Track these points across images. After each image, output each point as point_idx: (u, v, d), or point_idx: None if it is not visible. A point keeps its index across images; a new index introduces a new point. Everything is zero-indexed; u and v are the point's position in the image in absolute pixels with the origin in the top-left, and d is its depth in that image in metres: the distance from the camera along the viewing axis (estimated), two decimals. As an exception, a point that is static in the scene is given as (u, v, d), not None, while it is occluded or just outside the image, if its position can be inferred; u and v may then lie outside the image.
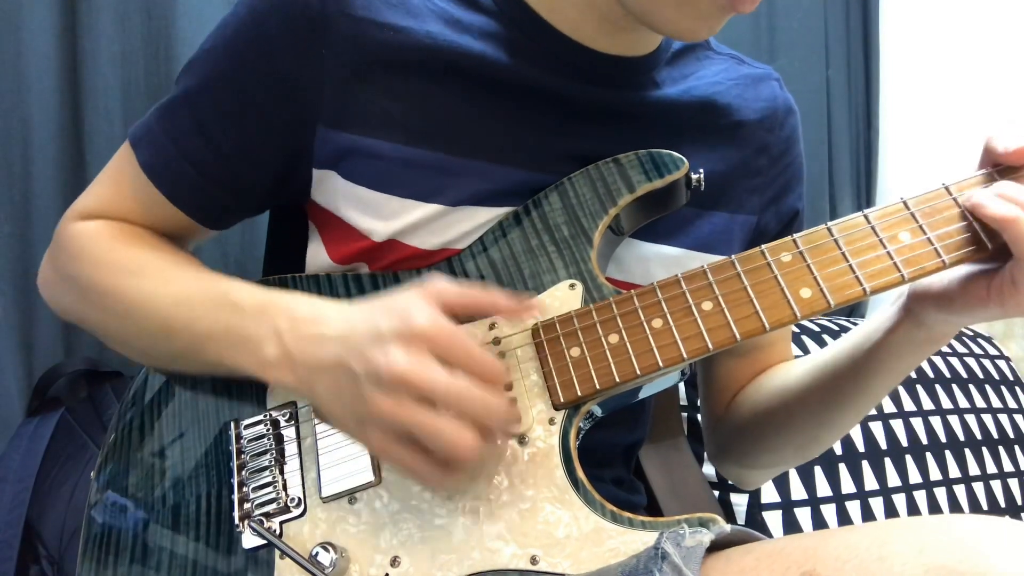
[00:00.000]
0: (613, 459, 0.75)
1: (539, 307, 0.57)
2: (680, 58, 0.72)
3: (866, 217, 0.55)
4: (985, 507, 1.27)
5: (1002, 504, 1.30)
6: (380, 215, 0.62)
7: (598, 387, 0.55)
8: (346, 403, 0.51)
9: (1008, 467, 1.33)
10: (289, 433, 0.61)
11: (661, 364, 0.55)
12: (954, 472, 1.27)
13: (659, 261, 0.68)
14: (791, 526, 1.13)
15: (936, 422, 1.29)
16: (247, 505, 0.58)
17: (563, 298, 0.60)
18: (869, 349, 0.64)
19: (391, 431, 0.49)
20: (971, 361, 1.41)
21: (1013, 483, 1.32)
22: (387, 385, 0.48)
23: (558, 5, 0.64)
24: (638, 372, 0.55)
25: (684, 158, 0.63)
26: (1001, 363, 1.46)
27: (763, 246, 0.56)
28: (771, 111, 0.74)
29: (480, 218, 0.63)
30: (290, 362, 0.54)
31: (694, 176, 0.64)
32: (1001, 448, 1.34)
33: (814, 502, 1.15)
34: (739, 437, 0.78)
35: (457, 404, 0.48)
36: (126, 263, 0.63)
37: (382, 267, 0.64)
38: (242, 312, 0.57)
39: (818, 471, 1.17)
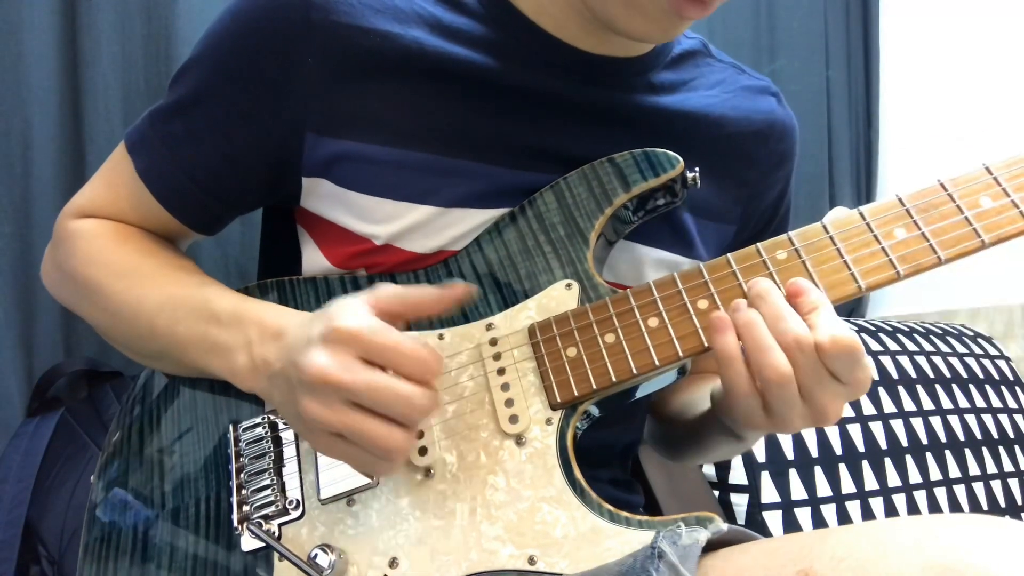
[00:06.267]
0: (610, 459, 0.75)
1: (466, 293, 0.56)
2: (680, 63, 0.72)
3: (861, 214, 0.55)
4: (985, 507, 1.27)
5: (1002, 504, 1.30)
6: (374, 219, 0.62)
7: (595, 387, 0.55)
8: (291, 409, 0.52)
9: (1008, 467, 1.33)
10: (287, 435, 0.61)
11: (657, 363, 0.55)
12: (954, 472, 1.27)
13: (652, 265, 0.68)
14: (791, 526, 1.13)
15: (936, 422, 1.29)
16: (246, 507, 0.58)
17: (559, 298, 0.60)
18: (698, 417, 0.69)
19: (328, 432, 0.50)
20: (971, 361, 1.41)
21: (1013, 483, 1.32)
22: (311, 388, 0.49)
23: (544, 6, 0.64)
24: (634, 371, 0.55)
25: (679, 157, 0.63)
26: (1001, 363, 1.46)
27: (758, 244, 0.56)
28: (767, 125, 0.74)
29: (474, 220, 0.63)
30: (256, 371, 0.56)
31: (689, 175, 0.64)
32: (1001, 448, 1.33)
33: (814, 502, 1.15)
34: (651, 429, 0.84)
35: (377, 402, 0.48)
36: (117, 265, 0.64)
37: (380, 271, 0.64)
38: (218, 321, 0.59)
39: (818, 471, 1.17)
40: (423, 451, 0.56)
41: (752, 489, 1.14)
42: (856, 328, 1.40)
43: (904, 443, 1.25)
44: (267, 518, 0.57)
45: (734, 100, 0.73)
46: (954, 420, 1.31)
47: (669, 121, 0.68)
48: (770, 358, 0.50)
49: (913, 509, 1.20)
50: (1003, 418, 1.37)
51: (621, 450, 0.77)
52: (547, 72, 0.65)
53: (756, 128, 0.73)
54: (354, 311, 0.50)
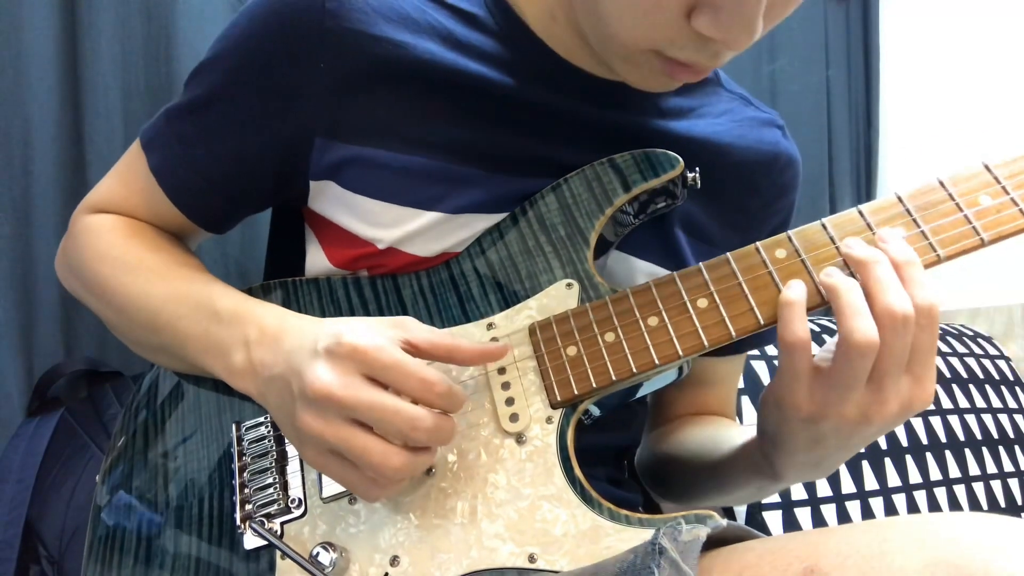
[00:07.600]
0: (606, 460, 0.75)
1: (501, 353, 0.57)
2: (691, 90, 0.72)
3: (860, 212, 0.55)
4: (985, 507, 1.27)
5: (1002, 504, 1.30)
6: (380, 223, 0.62)
7: (595, 386, 0.55)
8: (287, 418, 0.52)
9: (1008, 467, 1.33)
10: (289, 434, 0.61)
11: (657, 362, 0.55)
12: (954, 472, 1.27)
13: (645, 278, 0.67)
14: (791, 526, 1.13)
15: (936, 422, 1.29)
16: (248, 506, 0.58)
17: (560, 297, 0.60)
18: (730, 453, 0.67)
19: (323, 447, 0.50)
20: (971, 361, 1.41)
21: (1013, 483, 1.32)
22: (313, 402, 0.49)
23: (555, 30, 0.65)
24: (634, 370, 0.55)
25: (679, 157, 0.63)
26: (1001, 363, 1.46)
27: (758, 243, 0.56)
28: (771, 156, 0.74)
29: (479, 226, 0.64)
30: (252, 372, 0.56)
31: (690, 175, 0.64)
32: (1001, 448, 1.33)
33: (814, 502, 1.15)
34: (647, 464, 0.83)
35: (380, 422, 0.48)
36: (125, 259, 0.65)
37: (381, 272, 0.65)
38: (219, 319, 0.59)
39: (818, 471, 1.17)
40: None
41: (752, 489, 1.14)
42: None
43: (904, 443, 1.25)
44: (269, 516, 0.57)
45: (740, 130, 0.73)
46: (954, 420, 1.31)
47: (677, 145, 0.68)
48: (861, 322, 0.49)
49: (913, 509, 1.20)
50: (1003, 418, 1.37)
51: (617, 452, 0.77)
52: (559, 92, 0.65)
53: (761, 158, 0.73)
54: (361, 330, 0.50)
